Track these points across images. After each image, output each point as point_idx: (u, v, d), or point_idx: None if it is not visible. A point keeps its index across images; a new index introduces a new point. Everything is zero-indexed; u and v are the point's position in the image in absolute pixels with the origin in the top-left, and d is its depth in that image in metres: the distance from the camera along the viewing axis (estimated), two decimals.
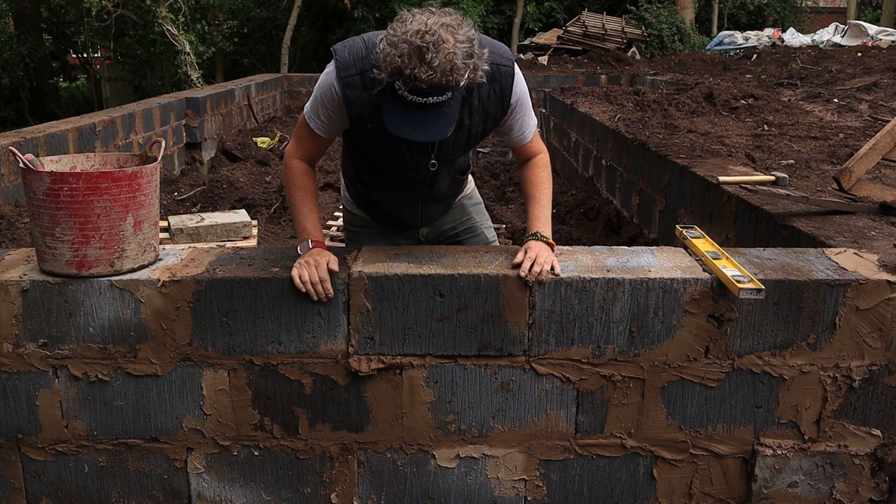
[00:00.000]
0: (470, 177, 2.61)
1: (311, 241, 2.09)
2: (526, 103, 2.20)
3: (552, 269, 2.03)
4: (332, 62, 2.03)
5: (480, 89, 2.02)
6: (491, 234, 2.64)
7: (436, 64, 1.76)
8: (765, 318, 1.99)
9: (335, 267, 2.04)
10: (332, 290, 2.02)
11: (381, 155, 2.19)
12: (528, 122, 2.22)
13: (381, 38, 1.87)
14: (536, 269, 2.01)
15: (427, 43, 1.76)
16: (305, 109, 2.14)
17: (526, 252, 2.06)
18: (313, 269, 2.01)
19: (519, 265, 2.03)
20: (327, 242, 2.22)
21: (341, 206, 2.71)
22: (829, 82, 8.55)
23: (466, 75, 1.84)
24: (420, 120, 1.86)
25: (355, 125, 2.09)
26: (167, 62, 13.97)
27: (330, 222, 5.96)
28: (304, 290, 2.00)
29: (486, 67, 1.90)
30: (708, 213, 3.53)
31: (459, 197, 2.54)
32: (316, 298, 2.01)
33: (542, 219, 2.19)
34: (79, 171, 2.07)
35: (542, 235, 2.12)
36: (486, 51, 1.90)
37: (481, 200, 2.69)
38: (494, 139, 10.34)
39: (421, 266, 2.05)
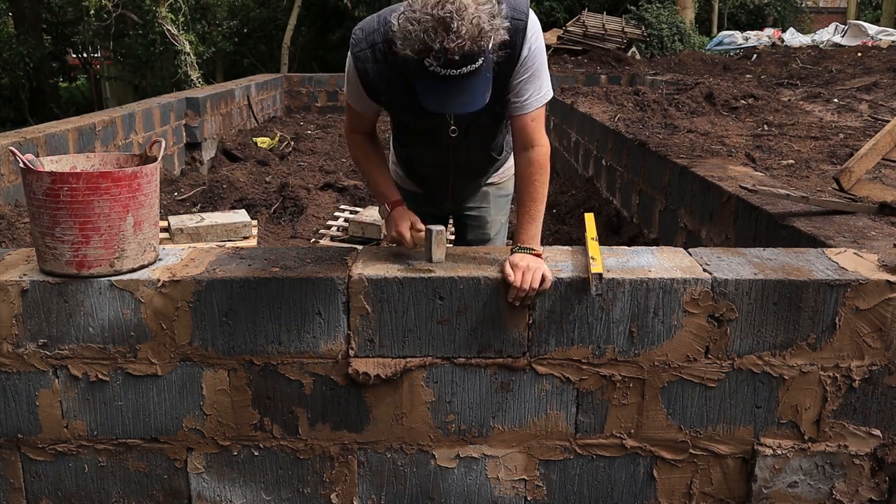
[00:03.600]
0: (510, 164, 2.47)
1: (388, 204, 2.20)
2: (538, 67, 2.07)
3: (543, 279, 1.96)
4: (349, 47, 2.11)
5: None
6: (495, 231, 2.64)
7: (463, 31, 1.71)
8: (765, 318, 1.99)
9: (409, 223, 2.14)
10: (409, 243, 2.13)
11: (404, 120, 2.26)
12: (536, 90, 2.09)
13: (399, 14, 1.82)
14: (528, 276, 1.95)
15: (449, 12, 1.71)
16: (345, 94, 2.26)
17: (514, 266, 1.99)
18: (393, 233, 2.14)
19: (509, 281, 1.97)
20: (327, 242, 2.23)
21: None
22: (829, 82, 8.54)
23: (493, 37, 1.79)
24: (456, 92, 1.82)
25: (372, 96, 2.12)
26: (167, 62, 13.97)
27: (330, 222, 5.97)
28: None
29: (507, 24, 1.85)
30: (708, 213, 3.53)
31: (491, 179, 2.56)
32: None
33: (532, 232, 2.09)
34: (79, 171, 2.06)
35: (527, 248, 2.05)
36: (503, 6, 1.86)
37: (511, 194, 2.56)
38: None
39: (420, 269, 2.05)
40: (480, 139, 2.32)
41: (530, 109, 2.10)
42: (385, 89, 2.06)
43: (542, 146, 2.12)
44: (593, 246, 2.13)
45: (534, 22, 2.05)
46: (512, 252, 2.05)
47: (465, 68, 1.77)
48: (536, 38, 2.05)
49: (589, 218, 2.41)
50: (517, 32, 1.98)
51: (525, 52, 2.03)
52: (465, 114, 1.98)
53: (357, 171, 2.45)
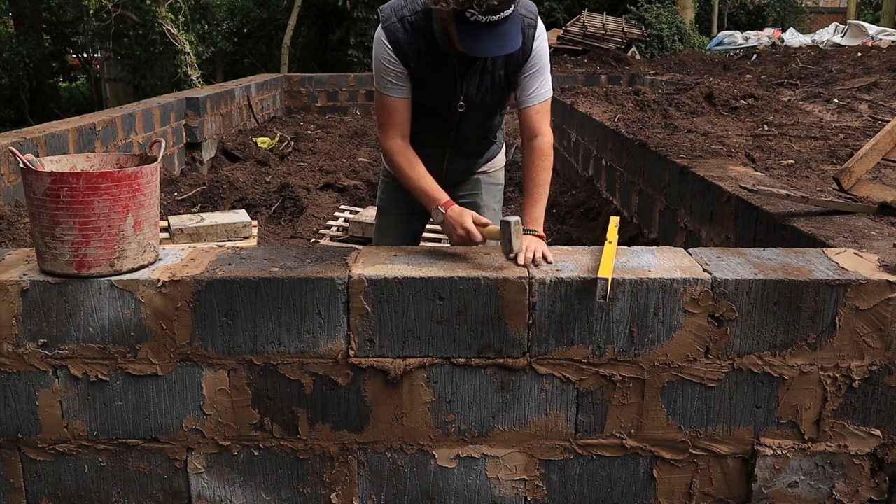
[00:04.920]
0: (501, 156, 2.75)
1: (442, 206, 2.25)
2: (543, 65, 2.34)
3: (544, 256, 2.11)
4: (380, 24, 2.28)
5: None
6: (488, 217, 2.68)
7: None
8: (765, 318, 1.99)
9: (470, 219, 2.19)
10: (478, 236, 2.17)
11: (418, 94, 2.35)
12: (540, 85, 2.35)
13: None
14: (529, 254, 2.10)
15: None
16: (377, 90, 2.34)
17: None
18: (459, 231, 2.18)
19: (514, 258, 2.11)
20: (327, 242, 2.24)
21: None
22: (829, 82, 8.55)
23: None
24: (493, 37, 2.06)
25: (407, 67, 2.27)
26: (167, 62, 13.97)
27: (330, 222, 5.97)
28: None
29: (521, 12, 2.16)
30: (708, 213, 3.53)
31: (482, 168, 2.67)
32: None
33: (535, 215, 2.34)
34: (79, 171, 2.06)
35: (528, 229, 2.23)
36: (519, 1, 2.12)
37: (502, 184, 2.81)
38: None
39: (421, 269, 2.05)
40: (481, 119, 2.48)
41: (535, 102, 2.36)
42: (415, 58, 2.25)
43: (546, 136, 2.39)
44: (609, 251, 2.12)
45: (541, 24, 2.31)
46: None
47: (502, 13, 2.01)
48: (543, 39, 2.32)
49: (613, 221, 2.42)
50: (529, 29, 2.25)
51: (535, 48, 2.29)
52: (474, 89, 2.30)
53: (394, 178, 2.57)
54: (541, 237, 2.22)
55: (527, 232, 2.17)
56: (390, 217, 2.79)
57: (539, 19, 2.29)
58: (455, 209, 2.23)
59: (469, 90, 2.34)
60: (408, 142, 2.37)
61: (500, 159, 2.77)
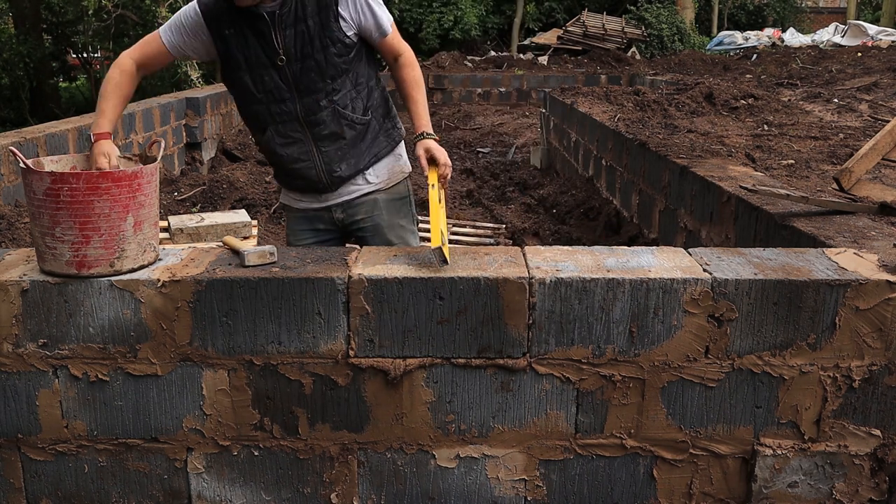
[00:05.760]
0: (400, 164, 2.74)
1: (94, 135, 2.30)
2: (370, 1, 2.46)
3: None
4: None
5: None
6: (397, 235, 2.72)
7: None
8: (765, 318, 1.99)
9: (109, 159, 2.24)
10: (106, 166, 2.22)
11: (243, 67, 2.46)
12: (381, 15, 2.48)
13: None
14: (446, 171, 2.39)
15: None
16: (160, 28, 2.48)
17: (428, 151, 2.41)
18: (99, 162, 2.24)
19: (429, 164, 2.40)
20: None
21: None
22: (829, 82, 8.55)
23: None
24: None
25: (217, 37, 2.43)
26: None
27: None
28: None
29: None
30: (708, 213, 3.53)
31: (376, 184, 2.66)
32: None
33: (426, 117, 2.51)
34: (79, 171, 2.07)
35: (428, 134, 2.46)
36: None
37: (408, 197, 2.79)
38: (493, 139, 10.35)
39: (421, 269, 2.05)
40: (317, 80, 2.47)
41: (390, 30, 2.51)
42: (228, 21, 2.40)
43: (407, 52, 2.57)
44: (434, 213, 2.22)
45: None
46: (416, 140, 2.46)
47: None
48: None
49: (432, 171, 2.44)
50: None
51: None
52: (290, 42, 2.40)
53: (289, 208, 2.76)
54: (435, 139, 2.45)
55: (429, 136, 2.44)
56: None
57: None
58: (104, 144, 2.27)
59: (287, 42, 2.41)
60: (137, 71, 2.44)
61: (399, 166, 2.72)
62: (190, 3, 2.45)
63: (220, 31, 2.43)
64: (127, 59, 2.43)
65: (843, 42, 14.55)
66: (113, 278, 2.00)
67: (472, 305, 2.01)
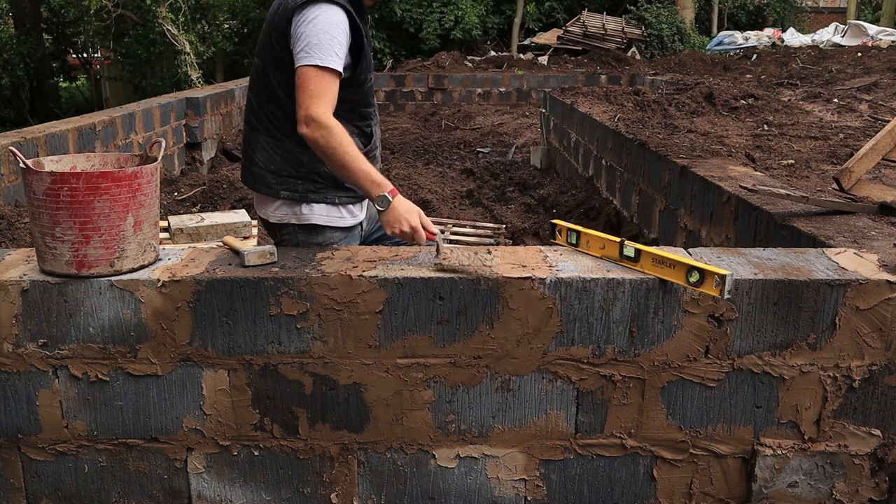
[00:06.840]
0: (315, 209, 2.31)
1: (389, 194, 2.11)
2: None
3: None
4: (320, 4, 2.10)
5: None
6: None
7: None
8: (765, 318, 1.99)
9: (417, 218, 2.13)
10: (423, 240, 2.13)
11: (371, 66, 2.33)
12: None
13: None
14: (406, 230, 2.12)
15: None
16: (315, 61, 2.06)
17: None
18: (405, 227, 2.11)
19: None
20: None
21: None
22: (829, 82, 8.55)
23: None
24: None
25: (356, 36, 2.18)
26: (167, 62, 13.99)
27: None
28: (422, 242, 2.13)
29: None
30: (708, 213, 3.53)
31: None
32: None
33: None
34: (79, 171, 2.07)
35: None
36: None
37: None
38: (493, 139, 10.35)
39: (421, 269, 2.05)
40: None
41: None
42: (363, 22, 2.21)
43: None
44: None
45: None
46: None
47: None
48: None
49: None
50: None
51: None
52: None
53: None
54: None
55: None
56: None
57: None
58: (404, 200, 2.12)
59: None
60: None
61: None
62: (333, 16, 2.11)
63: (361, 30, 2.18)
64: (332, 118, 2.09)
65: (843, 42, 14.55)
66: (113, 278, 2.00)
67: (472, 305, 2.01)
